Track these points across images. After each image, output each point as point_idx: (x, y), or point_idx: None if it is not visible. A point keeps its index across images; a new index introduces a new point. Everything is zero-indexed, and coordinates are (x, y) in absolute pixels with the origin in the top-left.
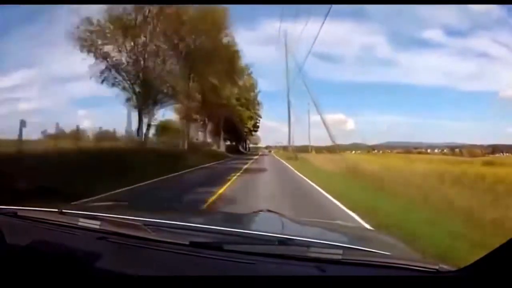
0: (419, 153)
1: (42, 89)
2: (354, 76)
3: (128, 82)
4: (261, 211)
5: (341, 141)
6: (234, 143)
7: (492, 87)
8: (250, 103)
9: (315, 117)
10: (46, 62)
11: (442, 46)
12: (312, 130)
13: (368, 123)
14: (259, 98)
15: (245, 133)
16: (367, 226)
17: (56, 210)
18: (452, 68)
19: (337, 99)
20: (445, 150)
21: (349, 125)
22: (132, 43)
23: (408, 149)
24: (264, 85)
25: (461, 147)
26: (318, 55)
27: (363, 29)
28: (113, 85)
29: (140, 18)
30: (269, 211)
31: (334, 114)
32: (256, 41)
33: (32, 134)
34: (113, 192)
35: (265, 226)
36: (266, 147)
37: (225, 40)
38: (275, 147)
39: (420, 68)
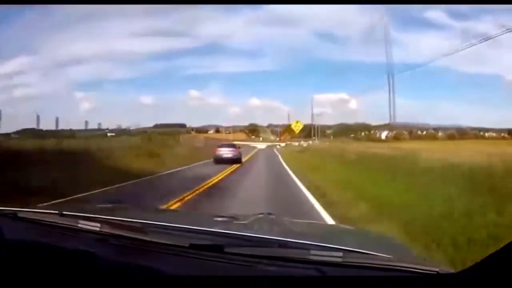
0: (477, 137)
1: (42, 73)
2: (357, 56)
3: None
4: (261, 214)
5: (344, 120)
6: None
7: (496, 71)
8: None
9: (318, 96)
10: (46, 46)
11: (446, 28)
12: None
13: (371, 103)
14: None
15: None
16: None
17: (57, 212)
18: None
19: (340, 79)
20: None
21: (352, 104)
22: None
23: (464, 130)
24: (268, 64)
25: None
26: (321, 35)
27: (366, 9)
28: None
29: None
30: (269, 214)
31: (337, 93)
32: (260, 21)
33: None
34: None
35: (265, 229)
36: (268, 126)
37: None
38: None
39: (423, 49)
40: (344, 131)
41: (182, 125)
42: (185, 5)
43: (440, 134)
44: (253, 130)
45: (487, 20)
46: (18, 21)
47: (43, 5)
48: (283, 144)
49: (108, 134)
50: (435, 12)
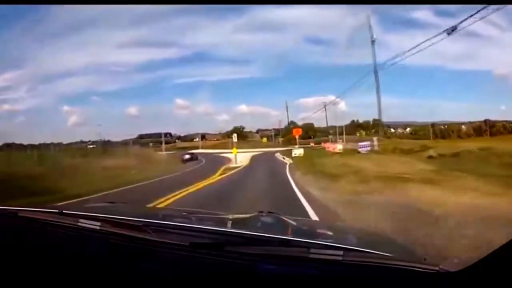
0: (505, 128)
1: (31, 87)
2: (343, 58)
3: None
4: (261, 212)
5: (334, 122)
6: None
7: (484, 67)
8: None
9: (304, 100)
10: (31, 59)
11: (432, 26)
12: (303, 113)
13: (359, 104)
14: None
15: None
16: None
17: (57, 210)
18: (442, 48)
19: (327, 81)
20: None
21: (341, 106)
22: None
23: (492, 123)
24: (255, 71)
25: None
26: (307, 39)
27: (351, 11)
28: None
29: None
30: (270, 212)
31: (325, 96)
32: (246, 28)
33: None
34: None
35: (265, 228)
36: (258, 131)
37: None
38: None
39: (409, 49)
40: (353, 129)
41: (167, 134)
42: (171, 14)
43: (464, 128)
44: (238, 135)
45: (474, 17)
46: (2, 33)
47: (28, 18)
48: (297, 152)
49: (89, 146)
50: (421, 12)
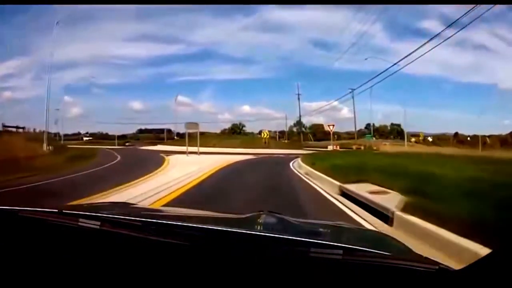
0: None
1: (32, 77)
2: (349, 64)
3: None
4: (261, 211)
5: (337, 128)
6: None
7: (490, 80)
8: None
9: (308, 104)
10: (35, 49)
11: (440, 37)
12: (309, 118)
13: (363, 111)
14: None
15: None
16: None
17: (56, 210)
18: (450, 59)
19: (331, 86)
20: None
21: (344, 112)
22: None
23: None
24: (259, 72)
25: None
26: (314, 42)
27: (359, 17)
28: None
29: None
30: (270, 212)
31: (328, 101)
32: (252, 27)
33: None
34: None
35: (265, 227)
36: (260, 132)
37: None
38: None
39: (416, 58)
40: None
41: (168, 131)
42: (178, 11)
43: (489, 140)
44: (237, 134)
45: (482, 28)
46: (6, 24)
47: (33, 7)
48: None
49: (85, 138)
50: (430, 21)
